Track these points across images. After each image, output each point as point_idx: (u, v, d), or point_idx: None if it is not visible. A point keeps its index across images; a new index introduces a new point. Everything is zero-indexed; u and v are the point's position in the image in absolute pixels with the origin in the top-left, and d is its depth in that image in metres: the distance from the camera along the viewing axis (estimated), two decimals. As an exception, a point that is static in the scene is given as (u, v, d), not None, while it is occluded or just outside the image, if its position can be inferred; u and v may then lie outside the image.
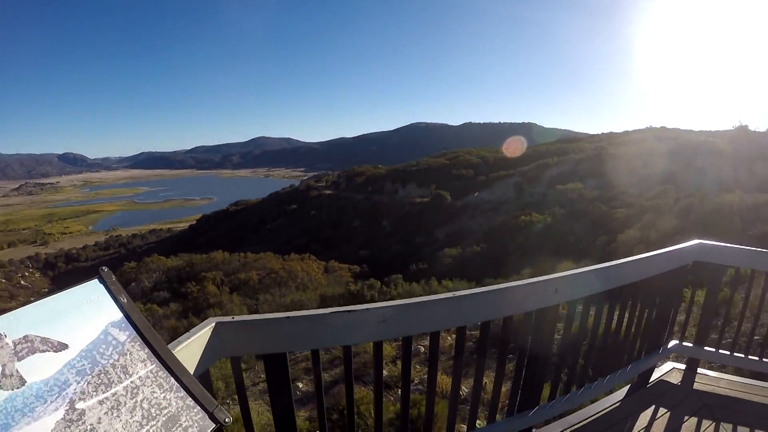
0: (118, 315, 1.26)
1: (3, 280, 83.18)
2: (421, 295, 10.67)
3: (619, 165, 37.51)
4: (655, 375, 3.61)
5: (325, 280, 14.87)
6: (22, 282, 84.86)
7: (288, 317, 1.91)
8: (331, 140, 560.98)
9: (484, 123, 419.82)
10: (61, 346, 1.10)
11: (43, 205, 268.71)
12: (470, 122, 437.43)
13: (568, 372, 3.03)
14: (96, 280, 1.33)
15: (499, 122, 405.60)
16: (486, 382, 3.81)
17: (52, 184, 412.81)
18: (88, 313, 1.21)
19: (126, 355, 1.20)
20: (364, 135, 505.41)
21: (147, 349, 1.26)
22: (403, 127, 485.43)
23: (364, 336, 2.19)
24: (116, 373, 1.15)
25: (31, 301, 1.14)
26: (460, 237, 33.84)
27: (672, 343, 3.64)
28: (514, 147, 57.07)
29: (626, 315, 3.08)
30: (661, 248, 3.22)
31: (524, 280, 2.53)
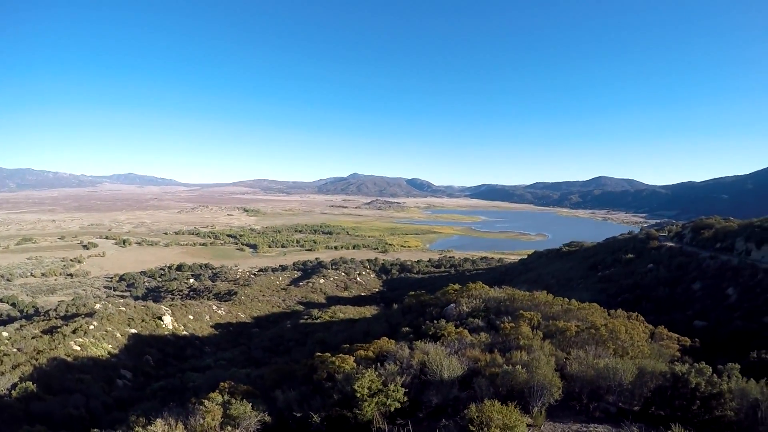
0: None
1: (343, 274, 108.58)
2: (756, 398, 7.89)
3: None
4: None
5: (648, 350, 13.02)
6: (358, 279, 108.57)
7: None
8: (676, 184, 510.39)
9: None
10: None
11: (389, 219, 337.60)
12: None
13: None
14: None
15: None
16: None
17: (399, 203, 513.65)
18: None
19: None
20: (714, 180, 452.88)
21: None
22: (761, 170, 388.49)
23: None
24: None
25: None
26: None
27: None
28: None
29: None
30: None
31: None
